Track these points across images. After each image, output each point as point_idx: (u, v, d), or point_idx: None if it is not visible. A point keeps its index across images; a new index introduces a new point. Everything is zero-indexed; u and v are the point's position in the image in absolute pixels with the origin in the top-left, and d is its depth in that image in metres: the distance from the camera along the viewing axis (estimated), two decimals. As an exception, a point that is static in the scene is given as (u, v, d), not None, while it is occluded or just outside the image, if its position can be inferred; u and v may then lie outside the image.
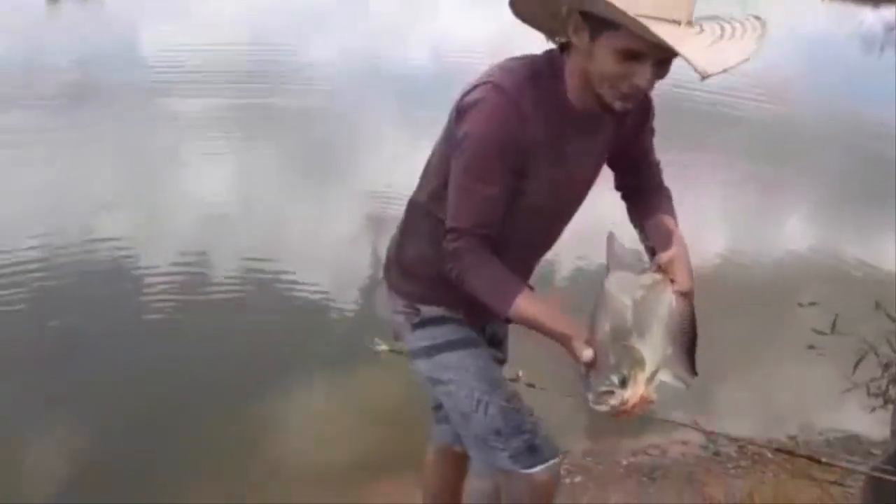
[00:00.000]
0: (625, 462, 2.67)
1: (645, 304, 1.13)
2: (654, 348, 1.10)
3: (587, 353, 1.11)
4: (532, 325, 1.24)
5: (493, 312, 1.32)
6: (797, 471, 2.49)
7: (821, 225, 5.00)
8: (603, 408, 1.07)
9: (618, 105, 1.19)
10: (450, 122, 1.29)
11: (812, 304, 3.35)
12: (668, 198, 1.45)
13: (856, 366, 2.90)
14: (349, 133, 5.98)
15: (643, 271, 1.19)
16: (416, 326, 1.51)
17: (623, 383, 1.06)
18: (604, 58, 1.14)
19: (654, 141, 1.47)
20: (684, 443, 2.79)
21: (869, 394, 2.84)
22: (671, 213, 1.39)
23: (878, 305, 2.99)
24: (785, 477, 2.49)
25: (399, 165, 4.86)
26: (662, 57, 1.11)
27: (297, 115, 6.40)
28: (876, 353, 2.92)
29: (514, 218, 1.30)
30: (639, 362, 1.07)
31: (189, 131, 5.79)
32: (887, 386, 2.81)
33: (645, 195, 1.46)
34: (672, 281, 1.18)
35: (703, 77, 1.05)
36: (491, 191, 1.25)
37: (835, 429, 2.82)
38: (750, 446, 2.70)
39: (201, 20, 10.13)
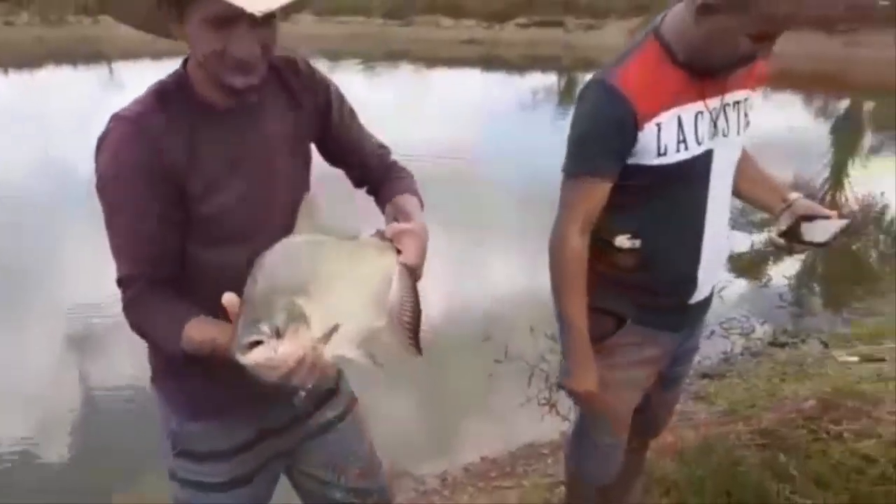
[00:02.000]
0: None
1: (337, 266, 1.02)
2: (340, 312, 0.99)
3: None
4: (206, 349, 1.11)
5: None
6: (489, 487, 2.79)
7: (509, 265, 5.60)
8: (248, 360, 0.93)
9: (238, 82, 1.10)
10: None
11: (486, 339, 3.86)
12: (409, 178, 1.37)
13: (529, 383, 3.42)
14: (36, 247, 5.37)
15: (354, 238, 1.08)
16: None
17: (277, 333, 0.92)
18: (197, 35, 1.07)
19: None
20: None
21: (539, 404, 3.34)
22: (413, 194, 1.32)
23: (532, 329, 3.56)
24: (481, 496, 2.75)
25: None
26: (253, 18, 1.04)
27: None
28: (541, 370, 3.46)
29: (216, 246, 1.18)
30: (301, 317, 0.94)
31: None
32: (550, 394, 3.33)
33: (385, 184, 1.36)
34: (398, 252, 1.10)
35: (252, 19, 1.03)
36: (141, 226, 1.13)
37: (517, 441, 3.19)
38: (449, 475, 2.95)
39: None
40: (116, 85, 13.94)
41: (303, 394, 1.14)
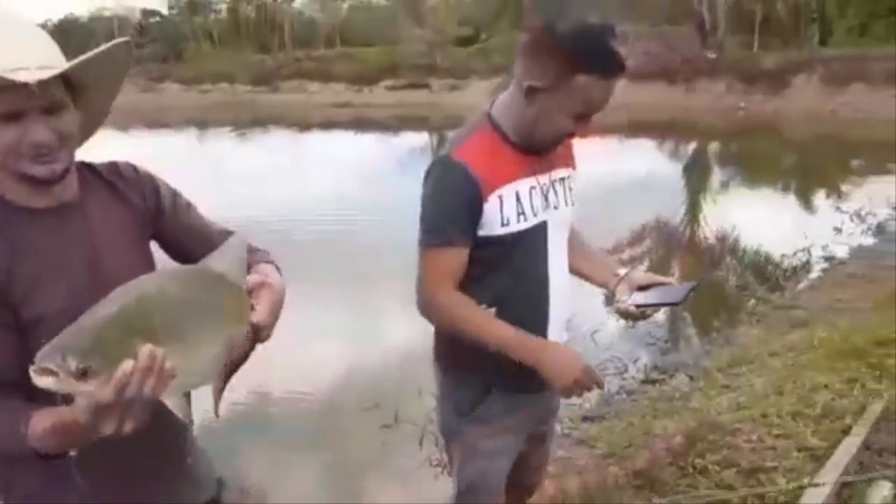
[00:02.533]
0: None
1: (187, 308, 0.98)
2: (188, 358, 0.96)
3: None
4: (57, 434, 1.03)
5: None
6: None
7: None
8: (38, 382, 0.87)
9: (39, 172, 1.10)
10: None
11: (376, 405, 3.86)
12: (263, 252, 1.34)
13: (420, 445, 3.43)
14: None
15: (220, 278, 1.06)
16: None
17: (83, 374, 0.87)
18: None
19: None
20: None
21: (431, 465, 3.35)
22: (270, 262, 1.29)
23: (420, 392, 3.59)
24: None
25: None
26: (43, 107, 1.08)
27: None
28: (431, 432, 3.48)
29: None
30: (120, 360, 0.88)
31: None
32: (442, 455, 3.36)
33: None
34: (252, 308, 1.10)
35: (42, 107, 1.07)
36: None
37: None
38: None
39: None
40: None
41: None
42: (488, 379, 1.63)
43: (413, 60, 29.32)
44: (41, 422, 1.04)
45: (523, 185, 1.53)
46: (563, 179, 1.64)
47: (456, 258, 1.52)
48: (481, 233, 1.51)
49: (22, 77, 1.04)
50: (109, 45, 1.18)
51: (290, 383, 4.17)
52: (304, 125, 22.50)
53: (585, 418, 3.75)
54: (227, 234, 1.37)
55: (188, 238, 1.34)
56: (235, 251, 1.13)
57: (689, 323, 5.47)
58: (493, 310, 1.57)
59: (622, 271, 1.69)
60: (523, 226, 1.53)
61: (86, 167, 1.24)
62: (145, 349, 0.90)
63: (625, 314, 1.66)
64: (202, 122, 24.20)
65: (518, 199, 1.52)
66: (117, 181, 1.27)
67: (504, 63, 25.49)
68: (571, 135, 1.51)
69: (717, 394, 3.45)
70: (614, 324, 5.10)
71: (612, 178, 11.81)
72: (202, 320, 1.00)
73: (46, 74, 1.07)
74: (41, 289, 1.13)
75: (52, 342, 0.89)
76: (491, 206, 1.49)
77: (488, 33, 34.35)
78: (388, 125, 22.15)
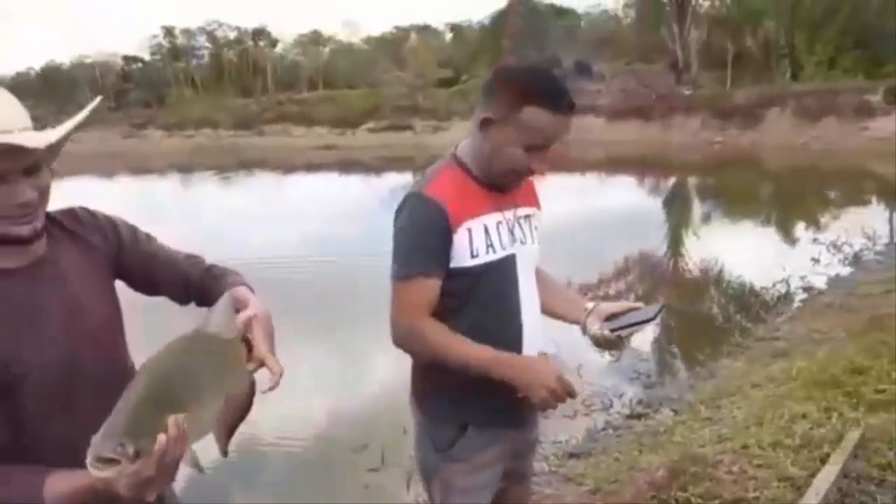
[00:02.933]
0: None
1: (207, 377, 1.07)
2: (204, 420, 1.04)
3: None
4: (80, 497, 1.05)
5: None
6: None
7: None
8: (99, 474, 0.92)
9: (25, 231, 1.15)
10: None
11: (364, 446, 3.87)
12: (233, 273, 1.38)
13: (408, 487, 3.43)
14: None
15: (227, 339, 1.13)
16: None
17: (137, 455, 0.93)
18: None
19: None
20: None
21: (420, 508, 3.34)
22: (243, 284, 1.33)
23: (405, 431, 3.60)
24: None
25: None
26: (25, 167, 1.12)
27: None
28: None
29: (34, 422, 1.15)
30: (161, 431, 0.96)
31: None
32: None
33: (212, 287, 1.34)
34: (250, 348, 1.15)
35: (24, 168, 1.11)
36: None
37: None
38: None
39: None
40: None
41: None
42: (464, 415, 1.67)
43: (395, 102, 29.75)
44: (58, 485, 1.06)
45: (490, 219, 1.61)
46: (528, 217, 1.71)
47: (430, 289, 1.57)
48: (452, 264, 1.57)
49: (18, 140, 1.08)
50: (92, 106, 1.25)
51: (276, 427, 4.18)
52: (287, 168, 22.64)
53: (572, 455, 3.77)
54: (193, 258, 1.43)
55: (154, 266, 1.37)
56: (225, 310, 1.17)
57: (673, 356, 5.54)
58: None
59: (590, 304, 1.74)
60: (492, 257, 1.60)
61: (48, 219, 1.24)
62: (172, 420, 0.97)
63: (601, 341, 1.68)
64: (186, 167, 24.31)
65: (486, 232, 1.60)
66: (77, 228, 1.30)
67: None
68: (531, 172, 1.58)
69: (700, 427, 3.49)
70: (599, 359, 5.15)
71: (595, 214, 12.00)
72: (209, 381, 1.07)
73: (53, 137, 1.13)
74: (23, 346, 1.14)
75: (102, 432, 0.93)
76: (460, 238, 1.56)
77: (468, 75, 34.94)
78: (372, 166, 22.35)
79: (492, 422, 1.67)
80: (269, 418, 4.14)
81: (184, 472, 1.06)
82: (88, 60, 53.46)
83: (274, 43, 55.26)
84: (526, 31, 33.93)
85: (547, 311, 1.78)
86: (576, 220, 11.30)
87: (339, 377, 5.20)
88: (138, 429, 0.94)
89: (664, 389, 4.74)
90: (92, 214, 1.33)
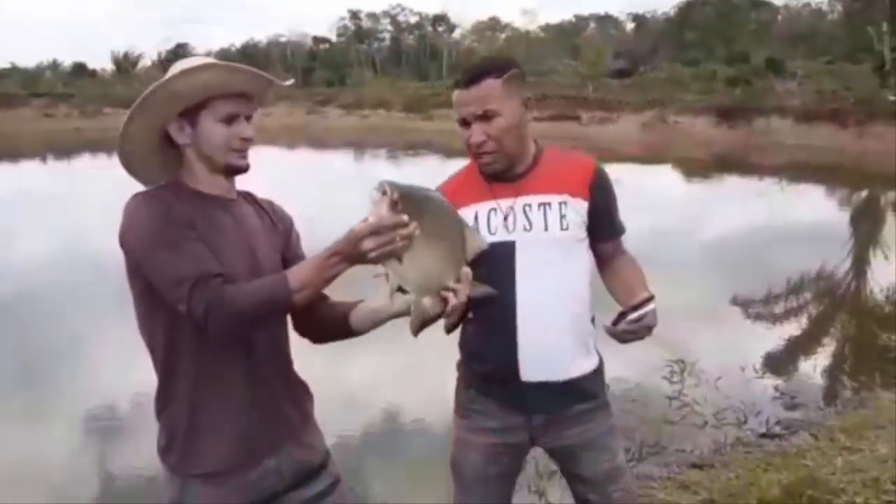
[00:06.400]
0: None
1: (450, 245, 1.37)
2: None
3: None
4: (318, 281, 1.33)
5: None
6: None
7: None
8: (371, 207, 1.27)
9: (242, 163, 1.49)
10: None
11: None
12: None
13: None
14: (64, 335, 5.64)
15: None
16: None
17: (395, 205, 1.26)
18: (210, 132, 1.45)
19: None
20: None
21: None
22: None
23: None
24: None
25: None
26: (247, 114, 1.50)
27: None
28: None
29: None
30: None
31: None
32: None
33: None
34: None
35: (247, 114, 1.47)
36: (188, 242, 1.38)
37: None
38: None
39: None
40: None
41: None
42: (469, 376, 1.83)
43: (562, 92, 29.43)
44: (298, 273, 1.34)
45: (483, 207, 1.74)
46: (543, 205, 1.71)
47: None
48: None
49: (271, 77, 1.45)
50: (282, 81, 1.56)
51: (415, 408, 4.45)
52: (449, 152, 23.22)
53: (694, 465, 3.71)
54: None
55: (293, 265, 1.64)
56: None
57: (827, 381, 5.21)
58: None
59: (645, 294, 1.66)
60: None
61: (246, 193, 1.59)
62: (404, 217, 1.26)
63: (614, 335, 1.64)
64: (359, 144, 25.65)
65: (476, 219, 1.72)
66: (267, 207, 1.62)
67: (660, 97, 24.87)
68: (473, 146, 1.72)
69: (835, 455, 3.31)
70: (738, 373, 4.97)
71: (771, 222, 11.14)
72: (447, 251, 1.36)
73: (287, 82, 1.53)
74: (225, 256, 1.39)
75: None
76: None
77: (647, 66, 33.75)
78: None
79: (489, 393, 1.78)
80: (412, 399, 4.49)
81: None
82: (283, 39, 57.50)
83: (452, 28, 56.43)
84: (713, 24, 32.12)
85: (617, 300, 1.75)
86: (748, 228, 10.63)
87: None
88: (405, 194, 1.28)
89: (807, 412, 4.50)
90: (278, 206, 1.64)
